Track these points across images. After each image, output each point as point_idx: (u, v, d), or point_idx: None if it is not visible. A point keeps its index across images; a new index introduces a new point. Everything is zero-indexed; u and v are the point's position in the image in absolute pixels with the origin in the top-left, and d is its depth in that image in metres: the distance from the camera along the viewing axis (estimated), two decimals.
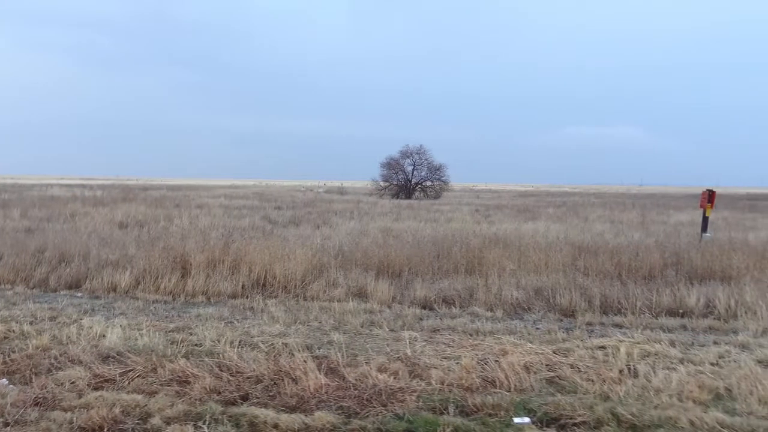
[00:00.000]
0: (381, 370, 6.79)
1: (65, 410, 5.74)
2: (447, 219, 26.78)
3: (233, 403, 5.97)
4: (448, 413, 5.78)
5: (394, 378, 6.57)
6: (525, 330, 8.78)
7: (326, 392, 6.19)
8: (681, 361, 7.30)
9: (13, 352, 7.39)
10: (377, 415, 5.71)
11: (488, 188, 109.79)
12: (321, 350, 7.67)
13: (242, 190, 65.87)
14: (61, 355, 7.22)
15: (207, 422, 5.50)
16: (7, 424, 5.43)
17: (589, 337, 8.47)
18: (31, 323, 8.83)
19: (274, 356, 7.22)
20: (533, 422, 5.61)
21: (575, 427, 5.52)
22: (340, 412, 5.79)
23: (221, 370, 6.71)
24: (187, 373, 6.56)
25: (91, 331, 8.32)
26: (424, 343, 8.00)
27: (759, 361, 7.31)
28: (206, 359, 7.06)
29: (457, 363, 7.04)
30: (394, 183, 60.34)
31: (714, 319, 9.58)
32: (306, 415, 5.65)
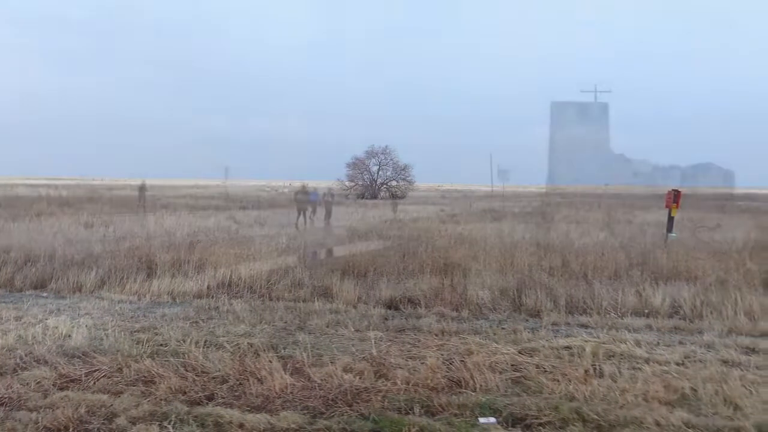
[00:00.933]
0: (346, 370, 6.78)
1: (31, 410, 5.68)
2: (412, 219, 26.83)
3: (199, 403, 5.92)
4: (413, 413, 5.77)
5: (360, 378, 6.56)
6: (490, 330, 8.80)
7: (291, 392, 6.17)
8: (646, 361, 7.35)
9: None
10: (342, 415, 5.70)
11: (454, 188, 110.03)
12: (286, 350, 7.64)
13: (208, 189, 65.31)
14: (26, 355, 7.13)
15: (172, 422, 5.46)
16: None
17: (555, 337, 8.51)
18: None
19: (240, 356, 7.17)
20: (499, 422, 5.63)
21: (541, 427, 5.53)
22: (305, 412, 5.76)
23: (186, 370, 6.66)
24: (153, 373, 6.51)
25: (57, 331, 8.23)
26: (389, 343, 8.00)
27: (724, 361, 7.39)
28: (172, 359, 7.01)
29: (423, 363, 7.03)
30: (360, 183, 60.32)
31: (679, 319, 9.65)
32: (271, 415, 5.63)
